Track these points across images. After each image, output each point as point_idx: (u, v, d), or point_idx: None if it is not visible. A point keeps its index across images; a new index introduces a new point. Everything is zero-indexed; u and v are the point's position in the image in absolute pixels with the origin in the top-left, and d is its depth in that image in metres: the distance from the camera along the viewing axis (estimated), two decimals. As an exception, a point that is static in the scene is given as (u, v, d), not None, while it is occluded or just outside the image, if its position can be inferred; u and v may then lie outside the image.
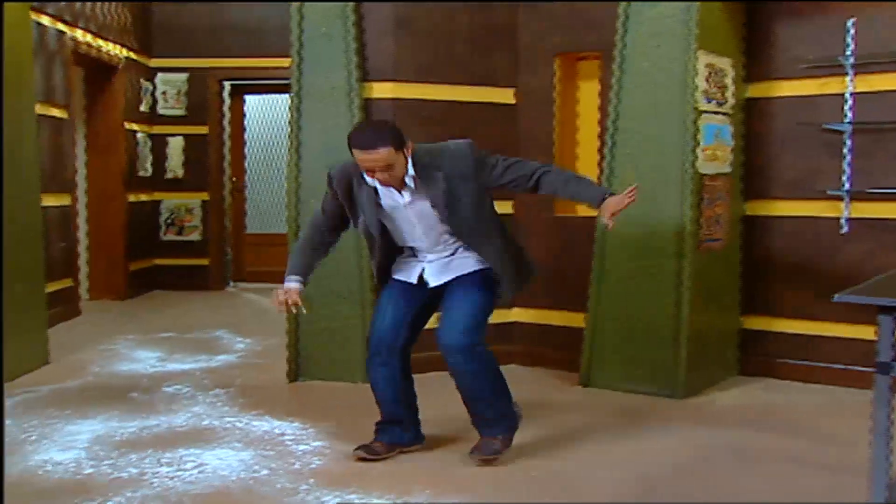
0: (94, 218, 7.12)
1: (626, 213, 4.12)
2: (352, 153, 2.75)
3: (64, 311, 5.98)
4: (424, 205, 2.85)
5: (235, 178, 8.50)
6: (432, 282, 3.00)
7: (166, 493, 2.78)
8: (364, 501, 2.70)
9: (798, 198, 4.32)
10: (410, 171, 2.80)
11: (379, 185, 2.85)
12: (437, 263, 2.99)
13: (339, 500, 2.71)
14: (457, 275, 2.97)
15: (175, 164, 7.81)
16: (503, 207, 4.61)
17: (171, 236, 7.93)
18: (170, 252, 7.91)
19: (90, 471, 2.99)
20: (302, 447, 3.27)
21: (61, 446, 3.25)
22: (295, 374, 4.33)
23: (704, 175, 4.04)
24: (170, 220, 7.92)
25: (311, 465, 3.06)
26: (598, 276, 4.22)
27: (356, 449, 3.08)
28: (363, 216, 2.92)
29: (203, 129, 7.85)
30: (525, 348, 4.63)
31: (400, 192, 2.86)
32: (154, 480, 2.89)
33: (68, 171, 6.14)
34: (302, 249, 3.07)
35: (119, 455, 3.15)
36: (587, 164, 4.69)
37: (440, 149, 2.87)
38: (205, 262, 7.98)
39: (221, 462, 3.08)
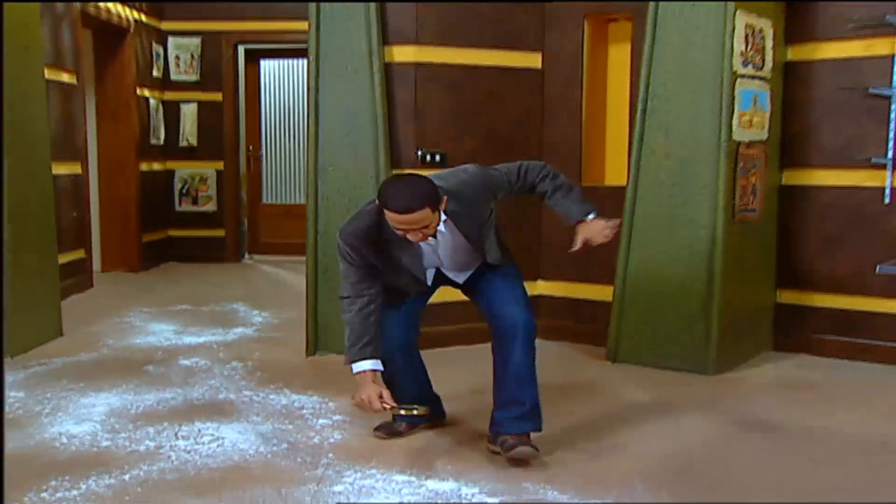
0: (106, 187, 7.17)
1: (657, 182, 4.12)
2: (383, 212, 2.63)
3: (76, 282, 6.04)
4: (457, 239, 2.83)
5: (251, 147, 8.51)
6: (461, 279, 2.98)
7: (184, 467, 2.81)
8: (385, 477, 2.71)
9: (839, 166, 4.24)
10: (443, 215, 2.73)
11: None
12: (456, 270, 2.98)
13: (359, 475, 2.73)
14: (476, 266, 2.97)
15: (189, 131, 7.83)
16: (528, 176, 4.61)
17: (186, 207, 7.97)
18: (184, 223, 7.96)
19: (106, 444, 3.03)
20: (321, 421, 3.29)
21: (76, 419, 3.30)
22: (314, 347, 4.36)
23: (740, 143, 3.98)
24: (184, 190, 7.96)
25: (331, 440, 3.09)
26: (627, 247, 4.19)
27: (376, 429, 3.10)
28: (405, 269, 2.81)
29: (217, 96, 7.84)
30: (551, 322, 4.61)
31: (433, 235, 2.76)
32: (171, 454, 2.93)
33: (79, 139, 6.17)
34: (364, 331, 2.78)
35: (135, 428, 3.19)
36: (616, 133, 4.64)
37: (461, 183, 2.78)
38: (220, 233, 8.02)
39: (239, 436, 3.11)
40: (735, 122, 3.91)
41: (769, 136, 4.19)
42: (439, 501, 2.53)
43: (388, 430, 3.09)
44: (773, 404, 3.54)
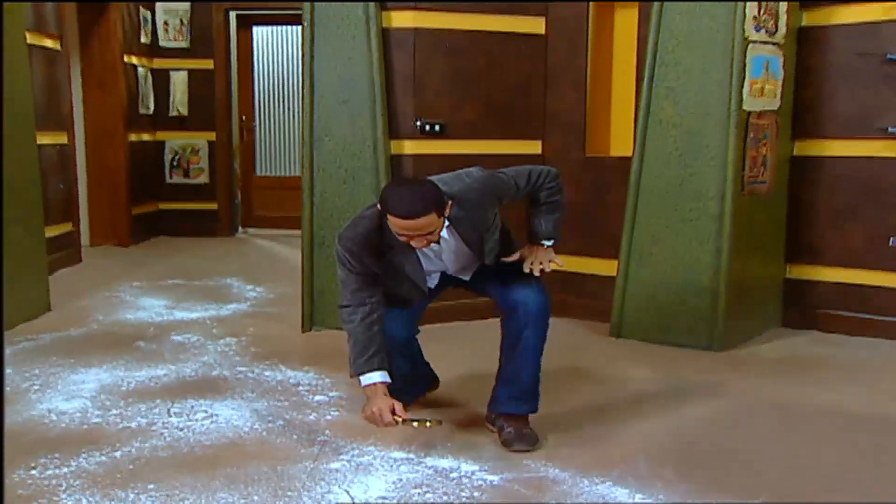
0: (94, 158, 7.13)
1: (664, 153, 4.09)
2: (386, 217, 2.57)
3: (64, 256, 6.03)
4: (459, 245, 2.80)
5: (244, 117, 8.46)
6: (467, 276, 2.95)
7: (177, 444, 2.82)
8: (383, 455, 2.71)
9: (853, 137, 4.21)
10: (446, 221, 2.69)
11: None
12: (460, 271, 2.95)
13: (356, 452, 2.73)
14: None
15: (179, 101, 7.77)
16: (531, 147, 4.60)
17: (177, 179, 7.94)
18: (175, 196, 7.94)
19: (97, 420, 3.03)
20: (318, 398, 3.29)
21: (66, 395, 3.29)
22: (310, 322, 4.35)
23: (750, 112, 3.94)
24: (175, 162, 7.92)
25: (328, 417, 3.09)
26: (632, 220, 4.17)
27: None
28: (407, 279, 2.76)
29: (208, 64, 7.78)
30: (552, 297, 4.60)
31: (435, 241, 2.71)
32: (164, 431, 2.93)
33: (64, 108, 6.12)
34: (368, 341, 2.71)
35: (127, 405, 3.19)
36: (622, 102, 4.60)
37: (465, 188, 2.73)
38: (212, 206, 8.00)
39: (234, 413, 3.12)
40: (746, 90, 3.88)
41: (781, 104, 4.15)
42: (438, 479, 2.53)
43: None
44: (781, 382, 3.54)
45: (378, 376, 2.69)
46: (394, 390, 2.72)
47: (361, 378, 2.70)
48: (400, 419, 2.61)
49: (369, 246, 2.69)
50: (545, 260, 2.83)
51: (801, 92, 4.29)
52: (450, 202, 2.62)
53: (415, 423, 2.63)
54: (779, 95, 4.12)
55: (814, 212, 4.36)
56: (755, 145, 4.01)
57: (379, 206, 2.62)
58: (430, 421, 2.65)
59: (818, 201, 4.34)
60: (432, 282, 2.92)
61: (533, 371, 2.81)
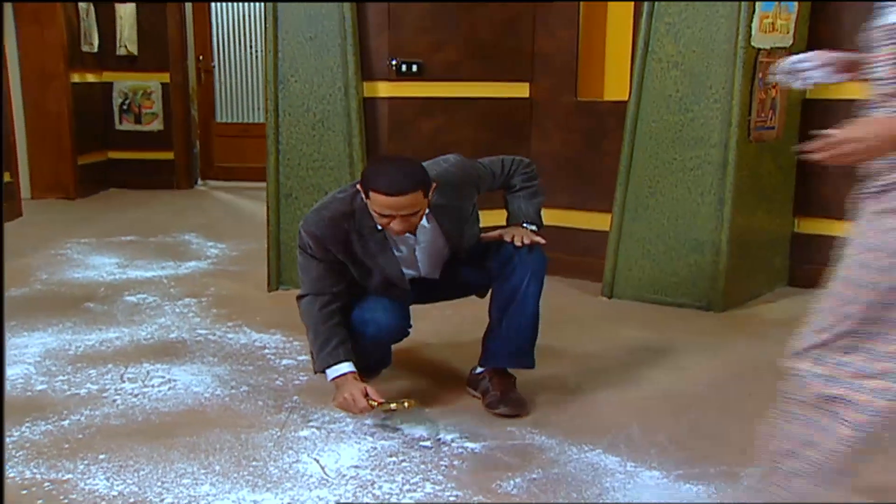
0: (32, 102, 7.05)
1: (663, 95, 4.10)
2: (368, 194, 2.56)
3: (2, 210, 5.98)
4: (436, 238, 2.81)
5: (201, 57, 8.36)
6: (436, 274, 2.94)
7: (131, 412, 2.84)
8: (356, 421, 2.75)
9: (870, 77, 4.23)
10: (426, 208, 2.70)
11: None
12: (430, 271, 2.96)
13: (327, 419, 2.77)
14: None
15: (127, 37, 7.66)
16: (518, 90, 4.59)
17: (127, 125, 7.87)
18: (126, 144, 7.88)
19: (42, 387, 3.05)
20: (285, 362, 3.32)
21: (7, 361, 3.30)
22: (276, 281, 4.37)
23: (760, 50, 3.95)
24: (125, 106, 7.84)
25: (297, 382, 3.12)
26: (627, 169, 4.19)
27: None
28: (377, 271, 2.76)
29: (160, -5, 7.67)
30: (541, 255, 4.64)
31: (412, 233, 2.74)
32: (116, 398, 2.95)
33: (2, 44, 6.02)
34: (329, 333, 2.72)
35: (75, 371, 3.21)
36: (618, 40, 4.59)
37: (444, 173, 2.76)
38: (168, 155, 7.96)
39: (194, 378, 3.14)
40: (755, 24, 3.88)
41: (794, 41, 4.15)
42: (415, 447, 2.58)
43: (364, 372, 3.11)
44: (786, 344, 3.60)
45: (345, 367, 2.69)
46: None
47: (327, 371, 2.71)
48: (375, 403, 2.63)
49: (336, 232, 2.69)
50: (526, 236, 2.82)
51: (817, 27, 4.28)
52: (433, 185, 2.64)
53: (392, 406, 2.65)
54: (791, 31, 4.12)
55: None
56: (764, 87, 4.02)
57: (359, 185, 2.61)
58: (406, 402, 2.67)
59: (831, 149, 4.37)
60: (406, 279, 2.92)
61: (531, 326, 2.86)
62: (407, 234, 2.74)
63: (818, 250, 4.47)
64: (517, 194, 2.94)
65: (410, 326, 2.97)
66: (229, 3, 8.48)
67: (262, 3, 4.30)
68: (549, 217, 4.82)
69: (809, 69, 2.09)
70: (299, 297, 2.80)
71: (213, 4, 8.37)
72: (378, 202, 2.54)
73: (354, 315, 2.81)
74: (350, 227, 2.69)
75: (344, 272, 2.78)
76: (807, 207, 4.47)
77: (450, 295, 3.07)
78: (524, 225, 2.90)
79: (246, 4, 8.47)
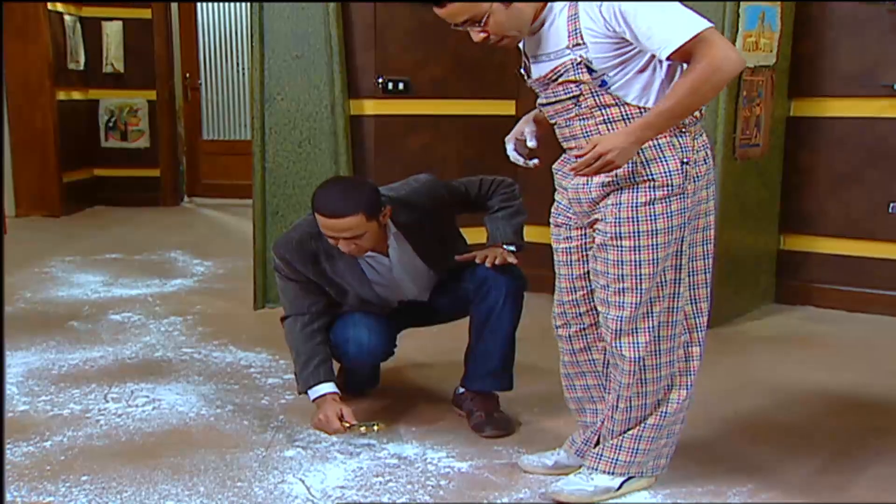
0: (17, 119, 7.02)
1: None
2: (314, 214, 2.63)
3: (4, 221, 5.94)
4: (411, 259, 2.82)
5: (188, 74, 8.36)
6: (425, 297, 2.97)
7: (114, 432, 2.81)
8: (342, 441, 2.73)
9: (855, 95, 4.26)
10: (393, 228, 2.74)
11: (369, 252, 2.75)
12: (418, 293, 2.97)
13: (313, 438, 2.75)
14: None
15: (114, 55, 7.65)
16: (504, 108, 4.60)
17: (113, 142, 7.85)
18: (112, 161, 7.85)
19: (24, 408, 3.02)
20: (271, 381, 3.30)
21: (-8, 380, 3.27)
22: (262, 299, 4.35)
23: (744, 68, 3.97)
24: (111, 124, 7.82)
25: (282, 401, 3.10)
26: (616, 187, 4.19)
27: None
28: (351, 290, 2.79)
29: (146, 13, 7.68)
30: (531, 272, 4.63)
31: (384, 254, 2.78)
32: (100, 418, 2.92)
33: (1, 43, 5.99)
34: (311, 353, 2.76)
35: (58, 390, 3.18)
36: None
37: (412, 193, 2.78)
38: (154, 172, 7.93)
39: (178, 397, 3.12)
40: (739, 43, 3.90)
41: (777, 60, 4.18)
42: (402, 467, 2.56)
43: (349, 392, 3.09)
44: (772, 361, 3.61)
45: (325, 388, 2.72)
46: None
47: (309, 392, 2.73)
48: (348, 424, 2.64)
49: (303, 252, 2.74)
50: (500, 257, 2.78)
51: (799, 45, 4.32)
52: (387, 208, 2.65)
53: (362, 429, 2.67)
54: (775, 50, 4.16)
55: (811, 178, 4.42)
56: (748, 105, 4.05)
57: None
58: (376, 425, 2.70)
59: (816, 166, 4.40)
60: (388, 301, 2.92)
61: (504, 348, 2.84)
62: (378, 255, 2.77)
63: (804, 267, 4.49)
64: (496, 215, 2.88)
65: (395, 347, 2.96)
66: (216, 21, 8.48)
67: (249, 21, 4.30)
68: (537, 234, 4.83)
69: (511, 151, 2.46)
70: (282, 319, 2.85)
71: (199, 22, 8.37)
72: (320, 223, 2.60)
73: (337, 333, 2.82)
74: (318, 246, 2.73)
75: (321, 290, 2.80)
76: (792, 224, 4.49)
77: (441, 318, 3.05)
78: (505, 247, 2.82)
79: (233, 22, 8.47)
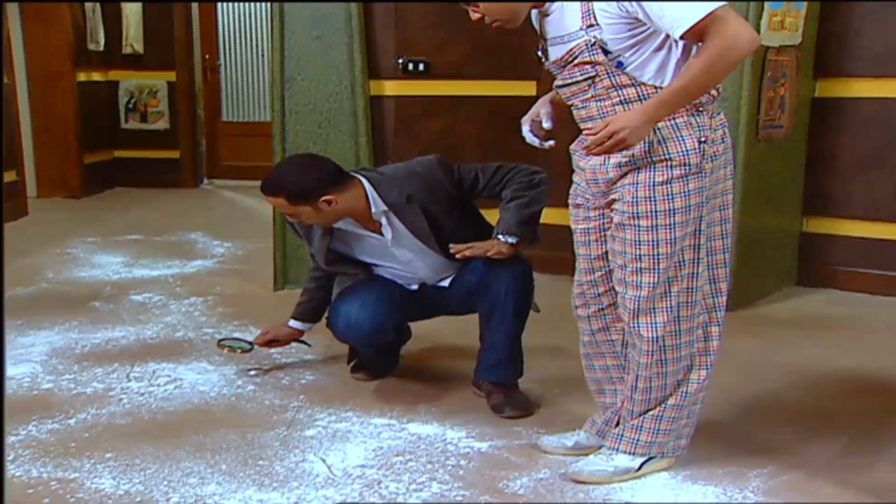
0: (38, 100, 7.07)
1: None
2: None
3: (9, 209, 6.02)
4: (413, 240, 2.85)
5: (207, 55, 8.38)
6: (446, 282, 3.00)
7: (137, 410, 2.85)
8: (363, 421, 2.76)
9: (883, 75, 4.22)
10: (382, 206, 2.78)
11: (359, 230, 2.86)
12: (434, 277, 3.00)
13: (333, 418, 2.78)
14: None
15: (133, 36, 7.68)
16: (524, 89, 4.58)
17: (133, 124, 7.89)
18: (132, 143, 7.90)
19: (48, 386, 3.06)
20: (291, 361, 3.33)
21: (13, 359, 3.32)
22: (283, 280, 4.37)
23: (768, 48, 3.94)
24: (130, 105, 7.86)
25: (302, 381, 3.13)
26: (637, 168, 4.18)
27: (354, 370, 3.16)
28: (316, 256, 2.98)
29: (166, -6, 7.68)
30: (546, 254, 4.64)
31: (376, 232, 2.84)
32: (123, 396, 2.96)
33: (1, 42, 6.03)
34: (302, 292, 3.18)
35: (81, 369, 3.22)
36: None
37: (408, 174, 2.81)
38: (174, 154, 7.97)
39: (200, 377, 3.15)
40: (763, 23, 3.87)
41: (803, 39, 4.14)
42: (422, 446, 2.58)
43: (369, 372, 3.13)
44: (794, 344, 3.60)
45: (292, 322, 3.17)
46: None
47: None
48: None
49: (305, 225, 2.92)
50: (496, 247, 2.74)
51: (825, 24, 4.28)
52: (331, 196, 2.69)
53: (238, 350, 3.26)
54: (800, 29, 4.11)
55: (835, 159, 4.39)
56: (772, 85, 4.01)
57: None
58: (241, 348, 3.25)
59: (841, 148, 4.37)
60: (410, 284, 2.99)
61: (509, 340, 2.85)
62: (374, 234, 2.84)
63: (827, 250, 4.47)
64: (508, 206, 2.82)
65: (392, 329, 2.92)
66: (236, 3, 8.48)
67: (269, 2, 4.31)
68: (557, 216, 4.82)
69: (527, 133, 2.47)
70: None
71: (218, 2, 8.38)
72: None
73: (333, 305, 2.95)
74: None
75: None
76: (815, 206, 4.46)
77: (454, 309, 3.04)
78: (500, 237, 2.76)
79: (252, 2, 8.47)
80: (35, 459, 2.48)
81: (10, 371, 3.19)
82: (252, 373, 3.16)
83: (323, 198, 2.70)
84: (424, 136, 4.44)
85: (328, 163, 2.83)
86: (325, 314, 3.02)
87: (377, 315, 2.83)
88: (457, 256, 2.79)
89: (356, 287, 2.91)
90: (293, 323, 3.15)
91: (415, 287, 3.01)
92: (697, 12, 2.00)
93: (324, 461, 2.49)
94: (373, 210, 2.78)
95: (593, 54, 2.14)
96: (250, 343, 3.23)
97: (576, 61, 2.17)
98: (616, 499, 2.29)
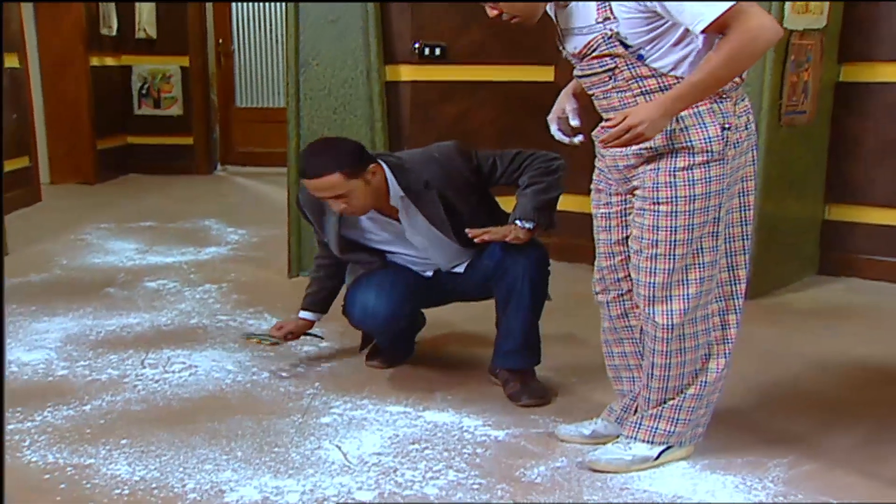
0: (51, 85, 7.11)
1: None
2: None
3: (21, 195, 6.06)
4: (428, 227, 2.85)
5: (221, 40, 8.40)
6: (461, 268, 3.01)
7: (152, 397, 2.88)
8: (378, 408, 2.78)
9: (909, 60, 4.19)
10: (400, 192, 2.77)
11: (376, 215, 2.85)
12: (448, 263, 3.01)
13: (349, 406, 2.80)
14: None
15: (146, 20, 7.70)
16: (542, 74, 4.58)
17: (147, 110, 7.93)
18: (145, 128, 7.93)
19: (63, 372, 3.10)
20: (306, 348, 3.35)
21: (28, 346, 3.36)
22: (297, 267, 4.40)
23: (792, 31, 3.92)
24: (144, 90, 7.90)
25: (318, 369, 3.16)
26: (656, 155, 4.17)
27: (369, 358, 3.19)
28: (329, 245, 2.96)
29: (179, -22, 7.70)
30: (564, 241, 4.64)
31: (394, 218, 2.84)
32: (137, 383, 3.00)
33: (12, 26, 6.07)
34: (310, 282, 3.14)
35: (96, 356, 3.26)
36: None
37: (426, 160, 2.81)
38: (188, 140, 8.00)
39: (214, 364, 3.18)
40: (788, 6, 3.84)
41: (828, 23, 4.11)
42: (438, 434, 2.60)
43: (385, 360, 3.15)
44: (815, 333, 3.59)
45: (303, 313, 3.10)
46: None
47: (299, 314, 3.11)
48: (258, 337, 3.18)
49: (313, 207, 2.90)
50: (513, 233, 2.75)
51: (851, 8, 4.24)
52: (375, 165, 2.69)
53: (254, 340, 3.20)
54: (825, 12, 4.08)
55: (859, 146, 4.36)
56: (796, 70, 3.99)
57: None
58: (268, 341, 3.14)
59: (865, 134, 4.34)
60: (424, 270, 3.00)
61: (526, 326, 2.86)
62: (391, 220, 2.84)
63: (849, 238, 4.45)
64: (525, 191, 2.82)
65: (406, 315, 2.96)
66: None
67: (283, -14, 4.33)
68: (575, 204, 4.83)
69: (556, 132, 2.47)
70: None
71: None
72: (306, 186, 2.72)
73: (349, 293, 2.95)
74: (325, 204, 2.82)
75: None
76: (838, 194, 4.44)
77: (470, 295, 3.06)
78: (518, 222, 2.77)
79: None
80: (51, 445, 2.51)
81: (25, 357, 3.23)
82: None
83: (370, 165, 2.69)
84: (440, 122, 4.44)
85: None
86: (340, 302, 3.04)
87: (393, 302, 2.85)
88: (475, 241, 2.78)
89: (371, 274, 2.93)
90: (304, 314, 3.11)
91: (429, 274, 3.02)
92: (718, 7, 1.98)
93: (339, 448, 2.51)
94: (392, 195, 2.79)
95: (612, 47, 2.13)
96: (276, 336, 3.15)
97: (594, 53, 2.17)
98: (634, 488, 2.30)
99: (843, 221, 4.45)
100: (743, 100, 2.21)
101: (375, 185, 2.72)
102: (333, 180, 2.63)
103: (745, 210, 2.29)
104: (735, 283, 2.33)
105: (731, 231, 2.28)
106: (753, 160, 2.27)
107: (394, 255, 2.98)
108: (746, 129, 2.21)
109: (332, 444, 2.54)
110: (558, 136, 2.47)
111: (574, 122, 2.43)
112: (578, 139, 2.44)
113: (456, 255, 2.96)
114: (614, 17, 2.10)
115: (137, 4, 7.63)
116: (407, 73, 4.39)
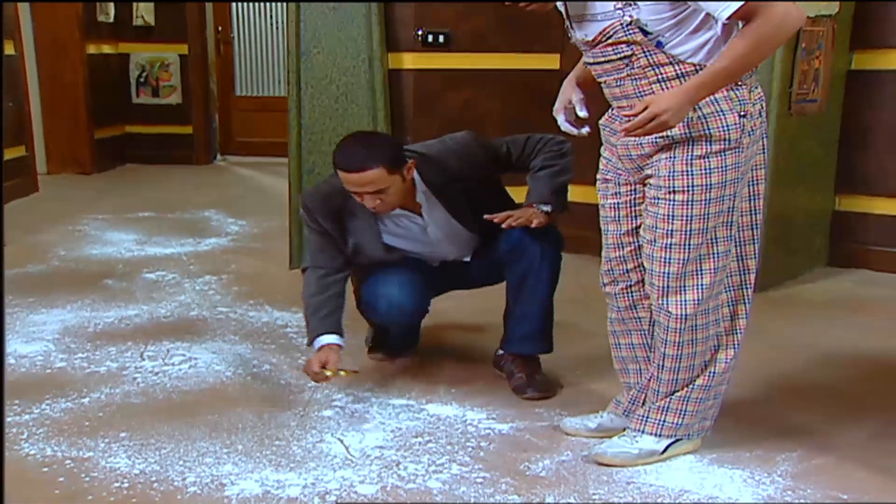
0: (47, 73, 7.10)
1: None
2: (335, 172, 2.66)
3: (18, 185, 6.06)
4: (448, 220, 2.84)
5: (220, 28, 8.39)
6: (468, 257, 3.01)
7: (151, 390, 2.89)
8: (381, 401, 2.78)
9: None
10: (423, 186, 2.76)
11: (399, 211, 2.80)
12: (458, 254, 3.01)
13: (351, 398, 2.80)
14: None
15: (144, 7, 7.70)
16: (548, 62, 4.57)
17: (145, 98, 7.93)
18: (144, 117, 7.93)
19: (61, 364, 3.10)
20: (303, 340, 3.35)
21: (25, 337, 3.36)
22: (298, 259, 4.40)
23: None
24: (142, 79, 7.89)
25: (319, 361, 3.16)
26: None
27: (371, 350, 3.19)
28: (364, 251, 2.84)
29: (177, -37, 7.70)
30: (571, 232, 4.62)
31: (416, 213, 2.82)
32: (137, 376, 3.00)
33: (7, 13, 6.05)
34: (319, 304, 2.80)
35: (94, 348, 3.26)
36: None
37: (446, 152, 2.80)
38: (186, 130, 8.00)
39: (214, 356, 3.19)
40: (796, -7, 3.83)
41: (839, 9, 4.09)
42: (441, 428, 2.60)
43: (388, 353, 3.15)
44: (825, 325, 3.59)
45: (328, 338, 2.74)
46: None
47: (315, 342, 2.75)
48: (329, 373, 2.67)
49: (327, 206, 2.78)
50: (533, 217, 2.73)
51: (863, -5, 4.24)
52: (411, 162, 2.67)
53: (342, 372, 2.69)
54: (836, -1, 4.08)
55: (871, 135, 4.35)
56: (806, 57, 3.98)
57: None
58: (343, 371, 2.70)
59: (877, 123, 4.33)
60: (432, 261, 2.98)
61: (543, 310, 2.86)
62: (412, 214, 2.81)
63: (860, 229, 4.44)
64: (538, 175, 2.84)
65: (428, 306, 2.98)
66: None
67: (284, -28, 4.32)
68: (581, 194, 4.82)
69: (563, 123, 2.46)
70: (303, 270, 2.91)
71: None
72: (343, 179, 2.63)
73: (368, 289, 2.90)
74: (344, 203, 2.77)
75: (342, 246, 2.85)
76: (849, 184, 4.43)
77: (479, 281, 3.07)
78: (536, 206, 2.78)
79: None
80: (49, 438, 2.52)
81: (23, 349, 3.24)
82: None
83: (405, 166, 2.67)
84: (444, 111, 4.44)
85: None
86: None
87: (417, 294, 2.88)
88: (499, 225, 2.74)
89: (387, 268, 2.89)
90: (332, 339, 2.75)
91: (436, 263, 3.02)
92: None
93: (341, 442, 2.51)
94: (418, 190, 2.78)
95: (630, 34, 2.12)
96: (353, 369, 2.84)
97: (610, 40, 2.16)
98: (640, 482, 2.30)
99: (853, 212, 4.44)
100: (756, 87, 2.21)
101: (410, 180, 2.71)
102: (377, 174, 2.57)
103: (754, 199, 2.29)
104: (745, 273, 2.33)
105: (741, 220, 2.28)
106: (764, 148, 2.27)
107: (403, 250, 2.96)
108: (760, 116, 2.21)
109: (335, 437, 2.54)
110: (566, 127, 2.46)
111: (582, 113, 2.42)
112: (585, 131, 2.43)
113: (467, 246, 2.97)
114: (634, 3, 2.09)
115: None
116: (410, 61, 4.39)
